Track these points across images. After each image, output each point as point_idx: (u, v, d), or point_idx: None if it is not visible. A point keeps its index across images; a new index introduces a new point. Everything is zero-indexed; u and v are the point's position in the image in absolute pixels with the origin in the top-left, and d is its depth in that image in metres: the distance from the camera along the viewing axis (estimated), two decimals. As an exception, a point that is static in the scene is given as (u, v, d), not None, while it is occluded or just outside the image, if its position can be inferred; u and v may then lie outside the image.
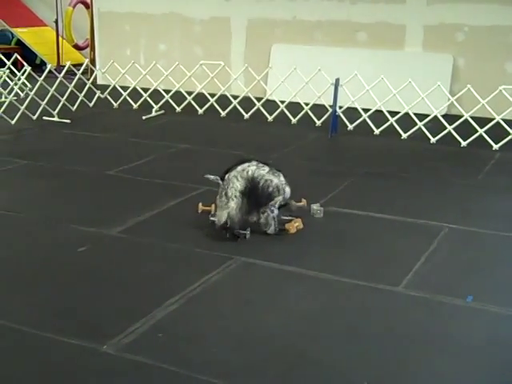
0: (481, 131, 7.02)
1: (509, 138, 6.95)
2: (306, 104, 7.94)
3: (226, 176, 4.37)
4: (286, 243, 4.46)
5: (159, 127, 8.01)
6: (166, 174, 5.94)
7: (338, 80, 7.49)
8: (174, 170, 6.16)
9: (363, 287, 3.83)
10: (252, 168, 4.39)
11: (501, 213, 5.12)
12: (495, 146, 6.94)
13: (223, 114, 8.38)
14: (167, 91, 8.60)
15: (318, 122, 7.89)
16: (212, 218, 4.54)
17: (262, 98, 8.33)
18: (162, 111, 8.61)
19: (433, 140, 7.22)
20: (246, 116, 8.26)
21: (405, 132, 7.37)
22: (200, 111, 8.51)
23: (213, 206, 4.64)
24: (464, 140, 7.06)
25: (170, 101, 8.57)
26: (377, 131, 7.51)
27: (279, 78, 8.16)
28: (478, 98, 7.02)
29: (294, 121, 8.03)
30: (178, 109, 8.63)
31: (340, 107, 7.63)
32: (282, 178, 4.51)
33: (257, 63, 9.21)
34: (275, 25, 9.83)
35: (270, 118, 8.16)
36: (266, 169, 4.45)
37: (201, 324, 3.39)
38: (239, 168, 4.38)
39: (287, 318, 3.47)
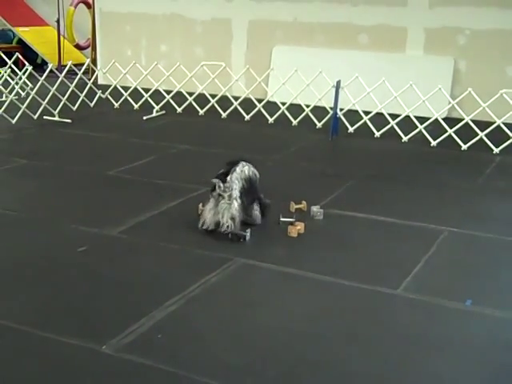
0: (481, 135, 7.03)
1: (509, 141, 6.96)
2: (307, 106, 7.95)
3: (228, 178, 4.42)
4: (285, 245, 4.46)
5: (160, 128, 8.02)
6: (167, 175, 5.94)
7: (338, 82, 7.49)
8: (174, 170, 6.16)
9: (362, 289, 3.82)
10: (246, 168, 4.56)
11: (501, 216, 5.12)
12: (496, 150, 6.95)
13: (224, 115, 8.38)
14: (168, 92, 8.61)
15: (319, 124, 7.90)
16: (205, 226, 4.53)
17: (262, 100, 8.33)
18: (163, 112, 8.62)
19: (433, 143, 7.22)
20: (247, 117, 8.26)
21: (405, 135, 7.37)
22: (201, 112, 8.52)
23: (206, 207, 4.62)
24: (464, 143, 7.07)
25: (171, 101, 8.58)
26: (377, 134, 7.51)
27: (280, 79, 8.16)
28: (478, 102, 7.03)
29: (294, 122, 8.04)
30: (179, 109, 8.63)
31: (341, 109, 7.64)
32: None
33: (258, 65, 9.21)
34: (276, 26, 9.84)
35: (271, 120, 8.16)
36: (252, 166, 4.65)
37: (200, 325, 3.39)
38: (238, 170, 4.50)
39: (287, 319, 3.47)
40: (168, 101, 8.57)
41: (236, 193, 4.42)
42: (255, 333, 3.33)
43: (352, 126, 7.66)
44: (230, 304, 3.65)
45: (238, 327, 3.38)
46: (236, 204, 4.42)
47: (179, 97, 8.55)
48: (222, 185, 4.42)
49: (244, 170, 4.53)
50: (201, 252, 4.28)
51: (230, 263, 4.10)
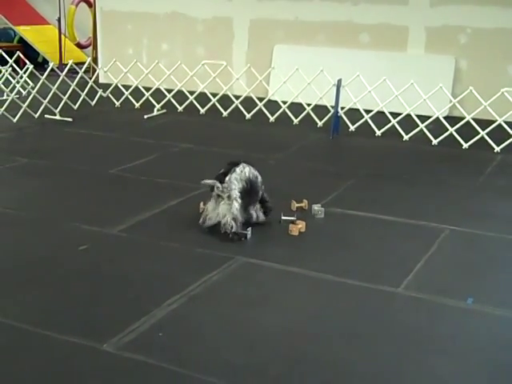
0: (482, 133, 7.02)
1: (510, 140, 6.95)
2: (308, 105, 7.95)
3: (227, 178, 4.41)
4: (287, 244, 4.45)
5: (161, 126, 8.02)
6: (168, 174, 5.94)
7: (340, 81, 7.49)
8: (175, 169, 6.16)
9: (364, 288, 3.82)
10: (247, 169, 4.53)
11: (502, 215, 5.12)
12: (497, 148, 6.94)
13: (225, 113, 8.38)
14: (169, 90, 8.61)
15: (320, 123, 7.89)
16: (207, 223, 4.53)
17: (263, 99, 8.33)
18: (164, 110, 8.62)
19: (434, 142, 7.21)
20: (248, 116, 8.26)
21: (406, 133, 7.37)
22: (202, 111, 8.52)
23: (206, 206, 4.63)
24: (466, 142, 7.07)
25: (172, 100, 8.58)
26: (378, 132, 7.51)
27: (281, 78, 8.16)
28: (480, 100, 7.02)
29: (295, 121, 8.03)
30: (180, 108, 8.63)
31: (342, 108, 7.63)
32: None
33: (259, 63, 9.21)
34: (277, 25, 9.83)
35: (272, 119, 8.16)
36: (252, 168, 4.61)
37: (201, 323, 3.39)
38: (238, 170, 4.48)
39: (288, 318, 3.47)
40: (169, 99, 8.56)
41: (235, 193, 4.41)
42: (256, 332, 3.33)
43: (353, 124, 7.66)
44: (232, 303, 3.65)
45: (240, 326, 3.38)
46: (237, 204, 4.42)
47: (180, 95, 8.55)
48: (219, 185, 4.42)
49: (244, 171, 4.50)
50: (202, 251, 4.28)
51: (231, 262, 4.10)
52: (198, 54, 10.21)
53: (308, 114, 7.94)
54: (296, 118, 8.04)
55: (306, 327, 3.39)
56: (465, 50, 8.83)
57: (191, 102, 8.51)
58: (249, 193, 4.52)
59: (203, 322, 3.41)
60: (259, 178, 4.64)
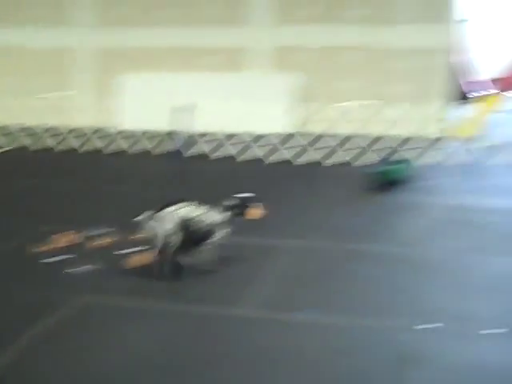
0: (330, 148, 7.29)
1: (341, 153, 7.25)
2: (158, 131, 7.96)
3: (158, 214, 4.28)
4: (129, 277, 4.35)
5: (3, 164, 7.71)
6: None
7: (187, 105, 7.52)
8: (10, 211, 5.89)
9: (203, 313, 3.81)
10: (182, 211, 4.34)
11: (337, 225, 5.32)
12: (331, 162, 7.21)
13: (70, 147, 8.21)
14: (13, 126, 8.32)
15: (166, 149, 7.90)
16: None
17: (113, 128, 8.24)
18: (8, 148, 8.32)
19: (274, 159, 7.39)
20: (97, 147, 8.14)
21: (251, 153, 7.52)
22: (49, 145, 8.30)
23: None
24: (307, 157, 7.31)
25: (17, 136, 8.30)
26: (222, 155, 7.60)
27: (130, 107, 8.14)
28: (323, 116, 7.30)
29: (144, 149, 8.01)
30: (22, 144, 8.37)
31: (190, 132, 7.67)
32: (218, 217, 4.44)
33: (106, 93, 9.10)
34: (124, 53, 9.75)
35: (119, 149, 8.08)
36: (198, 210, 4.41)
37: (41, 371, 3.23)
38: (169, 209, 4.32)
39: (135, 354, 3.37)
40: (11, 136, 8.27)
41: (162, 230, 4.26)
42: (96, 372, 3.22)
43: (199, 148, 7.75)
44: (71, 345, 3.49)
45: (79, 367, 3.25)
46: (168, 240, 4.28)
47: (27, 131, 8.28)
48: (150, 221, 4.29)
49: (178, 212, 4.32)
50: (34, 295, 4.06)
51: (68, 303, 3.95)
52: (39, 85, 9.90)
53: (155, 139, 7.93)
54: (144, 145, 8.03)
55: (153, 361, 3.32)
56: (306, 67, 9.15)
57: (39, 137, 8.27)
58: (185, 234, 4.30)
59: (43, 369, 3.25)
60: (206, 222, 4.37)
